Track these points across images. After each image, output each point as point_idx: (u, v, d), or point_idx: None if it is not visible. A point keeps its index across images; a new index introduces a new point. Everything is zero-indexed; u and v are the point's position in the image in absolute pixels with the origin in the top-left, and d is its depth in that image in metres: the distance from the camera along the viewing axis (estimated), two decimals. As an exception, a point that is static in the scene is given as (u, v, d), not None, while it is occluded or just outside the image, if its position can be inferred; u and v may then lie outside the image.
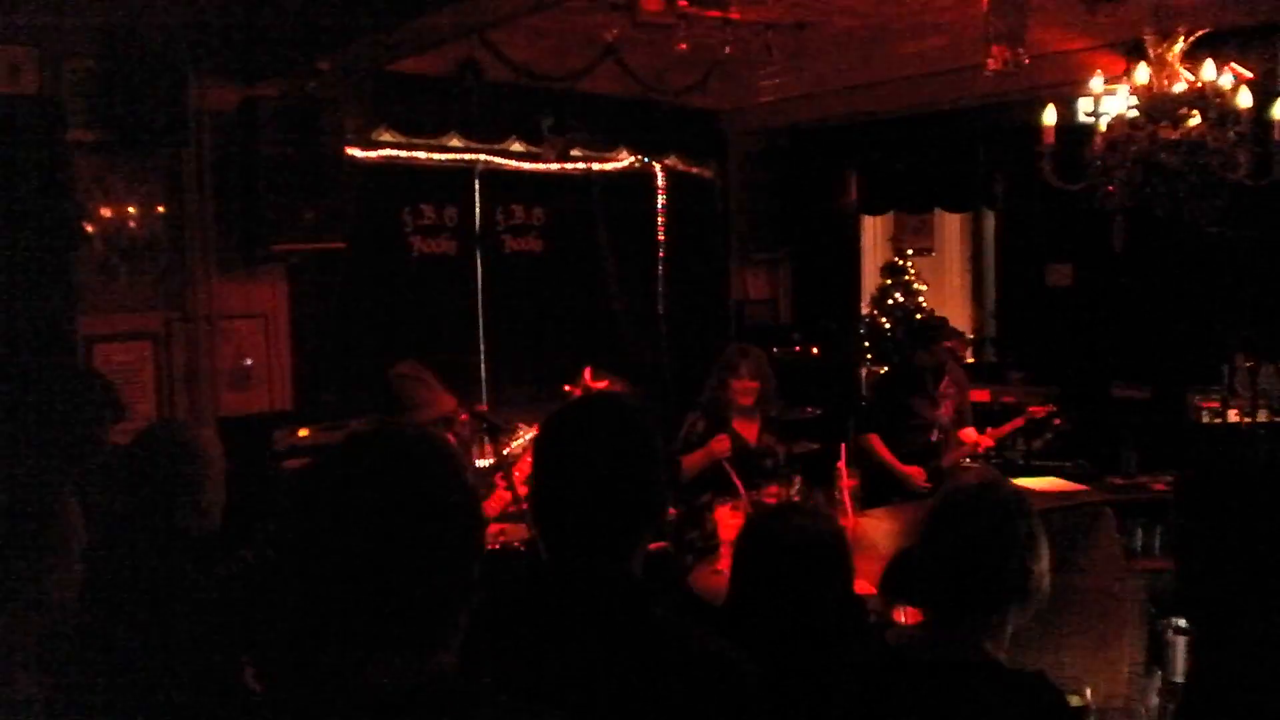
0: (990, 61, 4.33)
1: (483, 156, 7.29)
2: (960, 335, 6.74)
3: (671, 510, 4.70)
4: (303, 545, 1.42)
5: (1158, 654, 3.14)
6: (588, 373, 6.13)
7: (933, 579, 2.22)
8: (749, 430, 5.31)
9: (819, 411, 6.46)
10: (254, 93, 5.83)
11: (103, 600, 2.66)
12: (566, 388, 6.04)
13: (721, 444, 5.10)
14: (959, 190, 8.75)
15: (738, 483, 4.87)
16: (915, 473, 5.95)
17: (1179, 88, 4.35)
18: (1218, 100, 4.28)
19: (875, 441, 6.07)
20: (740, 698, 1.77)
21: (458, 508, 1.45)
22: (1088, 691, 2.92)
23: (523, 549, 4.55)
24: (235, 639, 2.77)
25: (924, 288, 9.61)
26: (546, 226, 7.87)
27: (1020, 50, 4.30)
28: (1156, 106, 4.32)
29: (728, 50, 5.91)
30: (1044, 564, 2.20)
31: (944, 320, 6.73)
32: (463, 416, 5.90)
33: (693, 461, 5.10)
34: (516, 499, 4.49)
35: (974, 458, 6.25)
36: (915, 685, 2.14)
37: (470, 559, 1.45)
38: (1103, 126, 4.45)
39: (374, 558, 1.37)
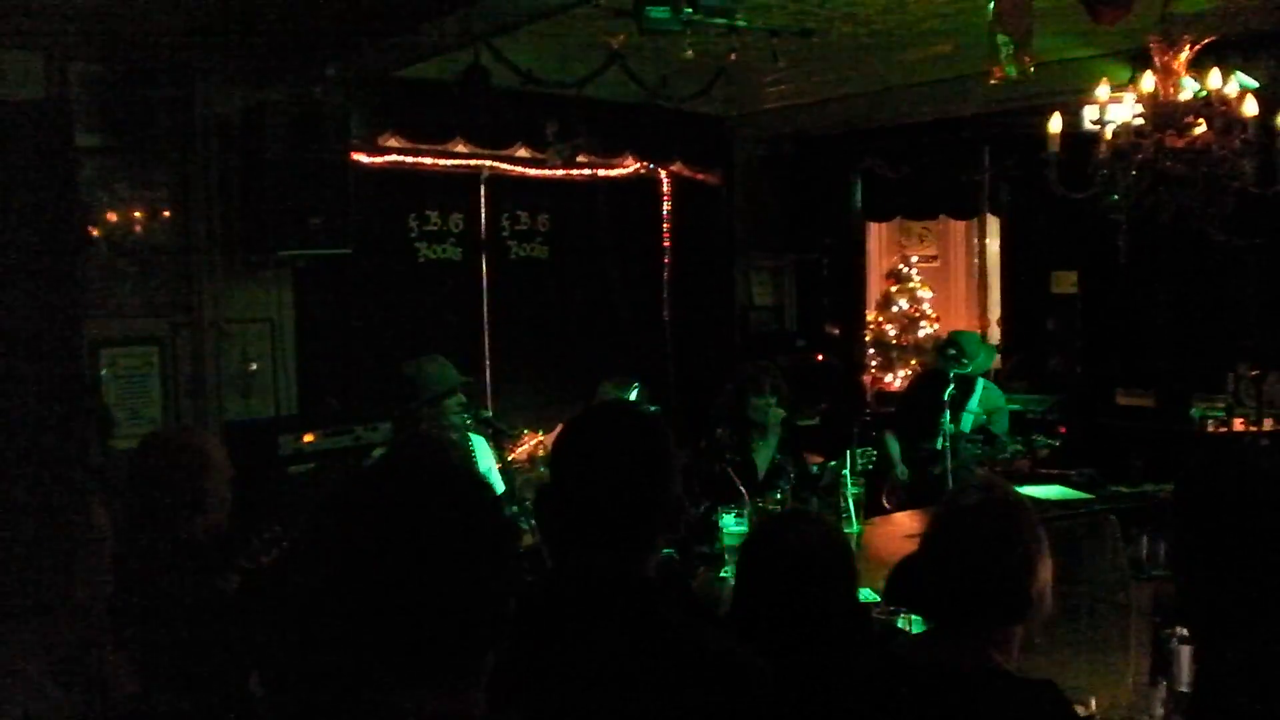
0: (994, 73, 4.33)
1: (488, 162, 7.31)
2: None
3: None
4: (337, 570, 1.37)
5: (1163, 663, 3.12)
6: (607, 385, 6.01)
7: (932, 589, 2.21)
8: (764, 452, 5.35)
9: (823, 416, 6.49)
10: (260, 98, 5.84)
11: (117, 608, 2.66)
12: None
13: None
14: (964, 197, 8.74)
15: (743, 490, 4.87)
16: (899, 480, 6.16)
17: (1185, 96, 4.34)
18: (1223, 108, 4.27)
19: (889, 438, 6.30)
20: (752, 697, 1.77)
21: (494, 540, 1.41)
22: (1092, 702, 2.91)
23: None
24: (243, 647, 2.76)
25: (929, 294, 9.60)
26: (552, 232, 7.89)
27: (1026, 58, 4.30)
28: (1162, 114, 4.31)
29: (733, 57, 5.89)
30: (1045, 577, 2.17)
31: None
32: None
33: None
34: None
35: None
36: (921, 694, 2.13)
37: (504, 595, 1.41)
38: (1109, 134, 4.44)
39: (409, 587, 1.32)
